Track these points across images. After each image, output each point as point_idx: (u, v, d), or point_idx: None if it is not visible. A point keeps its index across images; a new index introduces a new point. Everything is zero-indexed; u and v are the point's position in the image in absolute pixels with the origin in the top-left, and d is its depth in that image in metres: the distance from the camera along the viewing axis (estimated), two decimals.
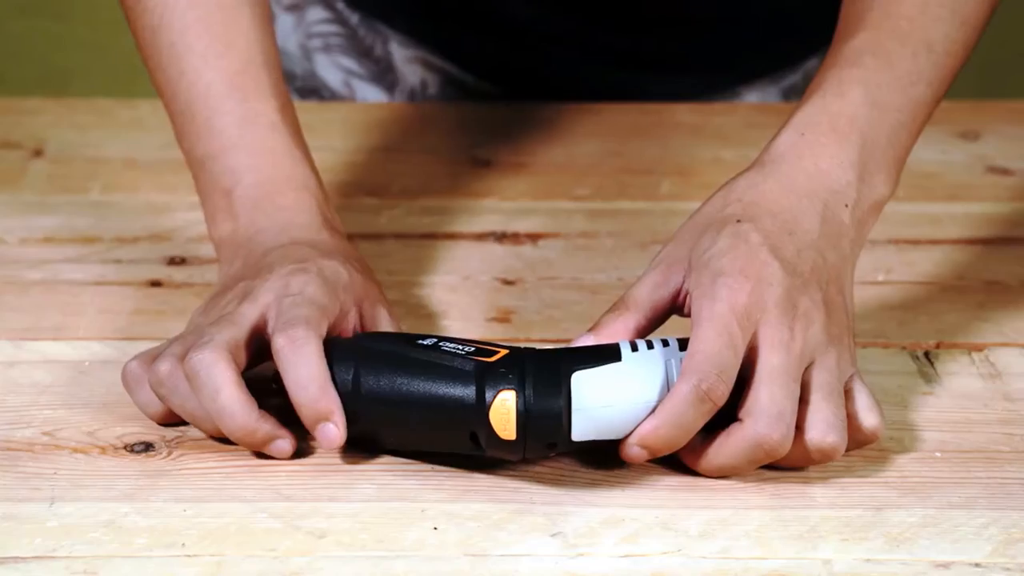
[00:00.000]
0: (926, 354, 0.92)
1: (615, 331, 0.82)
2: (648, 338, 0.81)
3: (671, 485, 0.81)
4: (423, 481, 0.81)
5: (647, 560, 0.76)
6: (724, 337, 0.79)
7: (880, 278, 1.00)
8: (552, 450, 0.79)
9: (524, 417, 0.78)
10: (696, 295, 0.80)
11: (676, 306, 0.83)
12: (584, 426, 0.78)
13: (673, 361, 0.80)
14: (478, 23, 1.23)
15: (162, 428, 0.84)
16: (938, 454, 0.83)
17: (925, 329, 0.95)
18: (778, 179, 0.84)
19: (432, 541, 0.77)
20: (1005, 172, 1.15)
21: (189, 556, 0.75)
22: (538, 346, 0.83)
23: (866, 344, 0.93)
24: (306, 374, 0.80)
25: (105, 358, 0.90)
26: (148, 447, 0.83)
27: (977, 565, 0.76)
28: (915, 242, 1.04)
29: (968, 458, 0.83)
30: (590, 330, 0.83)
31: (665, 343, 0.80)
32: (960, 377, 0.90)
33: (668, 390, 0.79)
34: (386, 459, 0.82)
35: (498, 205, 1.10)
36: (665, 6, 1.20)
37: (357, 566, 0.75)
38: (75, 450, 0.83)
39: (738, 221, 0.82)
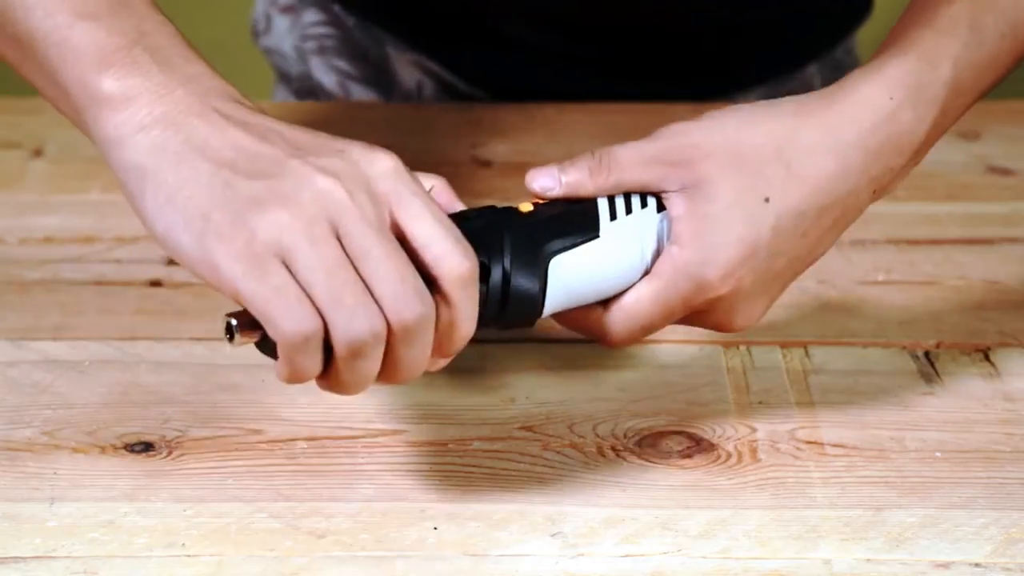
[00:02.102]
0: (926, 354, 0.92)
1: (584, 192, 0.79)
2: (626, 197, 0.80)
3: (671, 485, 0.81)
4: (423, 481, 0.81)
5: (647, 560, 0.76)
6: (659, 313, 0.79)
7: (880, 278, 1.00)
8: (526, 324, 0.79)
9: (500, 298, 0.77)
10: (674, 250, 0.79)
11: (652, 191, 0.80)
12: (555, 302, 0.78)
13: (648, 234, 0.79)
14: (474, 34, 1.23)
15: (162, 428, 0.84)
16: (938, 454, 0.83)
17: (925, 329, 0.95)
18: (838, 153, 0.79)
19: (432, 541, 0.77)
20: (1005, 172, 1.15)
21: (189, 556, 0.75)
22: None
23: (866, 344, 0.93)
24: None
25: (105, 358, 0.90)
26: (148, 447, 0.83)
27: (977, 565, 0.76)
28: (915, 242, 1.04)
29: (968, 458, 0.83)
30: (560, 168, 0.80)
31: (643, 203, 0.80)
32: (960, 377, 0.90)
33: (641, 260, 0.79)
34: (386, 459, 0.82)
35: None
36: (663, 17, 1.20)
37: (357, 566, 0.75)
38: (75, 450, 0.83)
39: (766, 200, 0.78)
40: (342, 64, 1.27)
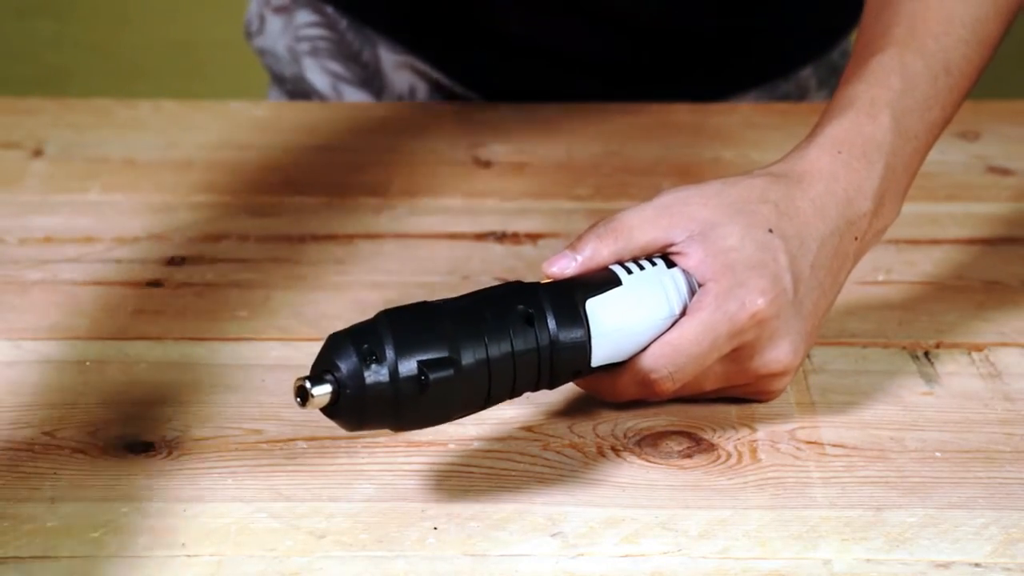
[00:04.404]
0: (926, 354, 0.92)
1: (600, 258, 0.83)
2: (635, 261, 0.83)
3: (671, 485, 0.81)
4: (423, 481, 0.81)
5: (647, 560, 0.76)
6: (707, 342, 0.81)
7: (880, 278, 1.00)
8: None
9: (549, 349, 0.79)
10: (710, 285, 0.82)
11: (663, 246, 0.84)
12: (599, 350, 0.81)
13: (667, 283, 0.82)
14: (468, 33, 1.22)
15: (162, 428, 0.84)
16: (938, 454, 0.83)
17: (925, 329, 0.95)
18: (812, 200, 0.84)
19: (432, 541, 0.77)
20: (1005, 172, 1.15)
21: (189, 556, 0.75)
22: None
23: (866, 344, 0.93)
24: None
25: (105, 358, 0.90)
26: (148, 447, 0.83)
27: (977, 565, 0.76)
28: (915, 242, 1.04)
29: (968, 458, 0.83)
30: (570, 247, 0.83)
31: (652, 262, 0.83)
32: (960, 377, 0.90)
33: (668, 306, 0.82)
34: (386, 459, 0.82)
35: (498, 205, 1.10)
36: (658, 19, 1.20)
37: (357, 566, 0.75)
38: (75, 450, 0.83)
39: (770, 231, 0.83)
40: (335, 66, 1.27)
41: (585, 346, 0.80)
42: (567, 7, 1.19)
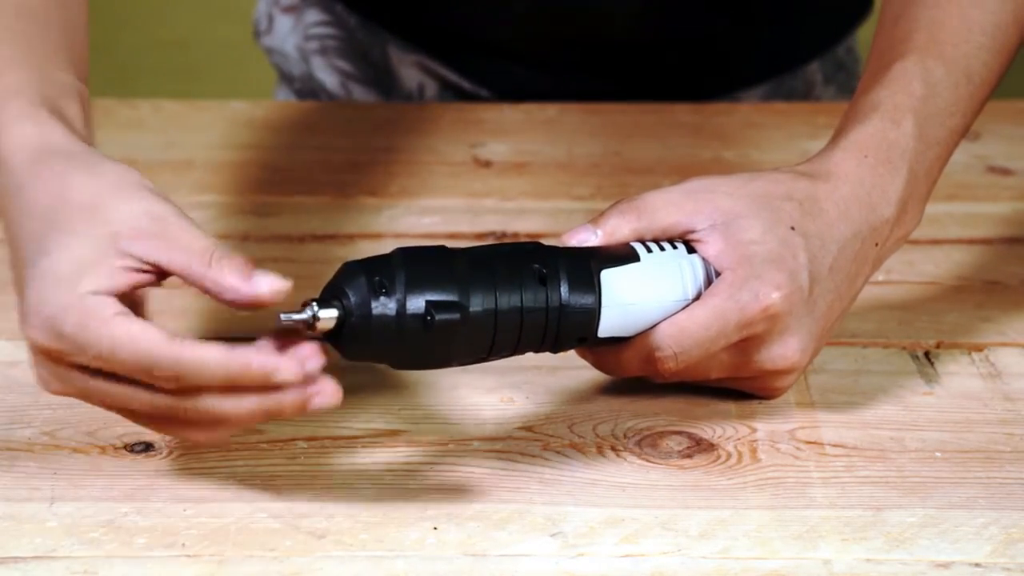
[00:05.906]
0: (926, 354, 0.92)
1: (620, 235, 0.83)
2: (656, 242, 0.84)
3: (671, 485, 0.81)
4: (423, 481, 0.81)
5: (647, 560, 0.76)
6: (715, 328, 0.81)
7: (880, 278, 1.00)
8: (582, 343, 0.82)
9: (558, 313, 0.80)
10: (726, 274, 0.82)
11: (684, 232, 0.84)
12: (608, 321, 0.81)
13: (684, 263, 0.83)
14: (474, 40, 1.23)
15: None
16: (938, 454, 0.83)
17: (925, 329, 0.95)
18: (837, 202, 0.84)
19: (432, 541, 0.77)
20: (1005, 172, 1.15)
21: (189, 556, 0.75)
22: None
23: (866, 344, 0.93)
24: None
25: None
26: (148, 447, 0.83)
27: (977, 565, 0.76)
28: (915, 242, 1.04)
29: (968, 458, 0.83)
30: (592, 222, 0.83)
31: (673, 245, 0.83)
32: (960, 377, 0.90)
33: (683, 289, 0.82)
34: (386, 459, 0.82)
35: (498, 205, 1.10)
36: (664, 18, 1.20)
37: (357, 566, 0.75)
38: (75, 450, 0.83)
39: (792, 228, 0.83)
40: (344, 65, 1.27)
41: (594, 314, 0.81)
42: (568, 17, 1.19)
